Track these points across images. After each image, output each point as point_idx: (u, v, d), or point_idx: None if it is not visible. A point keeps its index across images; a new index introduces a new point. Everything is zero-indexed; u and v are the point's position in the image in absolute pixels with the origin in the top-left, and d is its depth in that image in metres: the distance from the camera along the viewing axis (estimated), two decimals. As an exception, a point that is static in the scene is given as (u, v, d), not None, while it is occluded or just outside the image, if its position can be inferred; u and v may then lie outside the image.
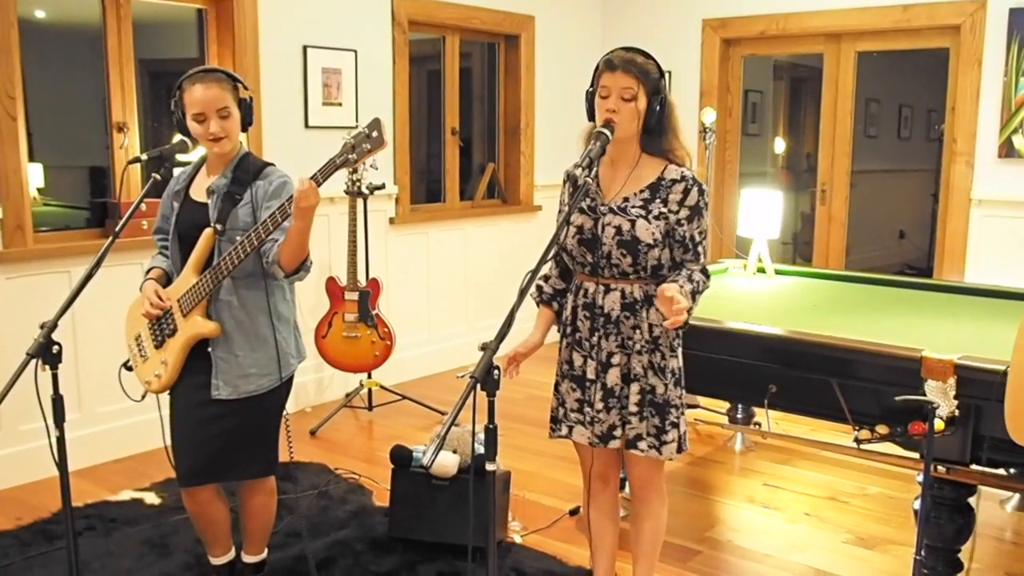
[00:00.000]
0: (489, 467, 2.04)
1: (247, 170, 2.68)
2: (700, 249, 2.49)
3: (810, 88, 6.52)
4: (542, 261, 2.21)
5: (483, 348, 2.03)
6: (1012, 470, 2.89)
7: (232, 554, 2.94)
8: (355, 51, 5.15)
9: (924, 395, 2.54)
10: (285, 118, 4.87)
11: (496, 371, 2.00)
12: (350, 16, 5.14)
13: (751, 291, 4.07)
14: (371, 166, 4.44)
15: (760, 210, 4.40)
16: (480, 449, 3.12)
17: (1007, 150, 5.22)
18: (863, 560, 3.34)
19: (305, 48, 4.91)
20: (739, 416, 4.32)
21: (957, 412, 2.56)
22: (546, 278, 2.71)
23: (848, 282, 4.20)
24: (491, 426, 2.04)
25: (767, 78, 8.65)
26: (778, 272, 4.36)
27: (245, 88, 2.70)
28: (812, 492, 3.96)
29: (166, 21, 5.41)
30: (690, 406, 4.69)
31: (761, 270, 4.32)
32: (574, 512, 3.67)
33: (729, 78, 6.40)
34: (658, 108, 2.43)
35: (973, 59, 5.29)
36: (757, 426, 4.21)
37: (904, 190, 8.77)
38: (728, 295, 3.94)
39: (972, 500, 2.73)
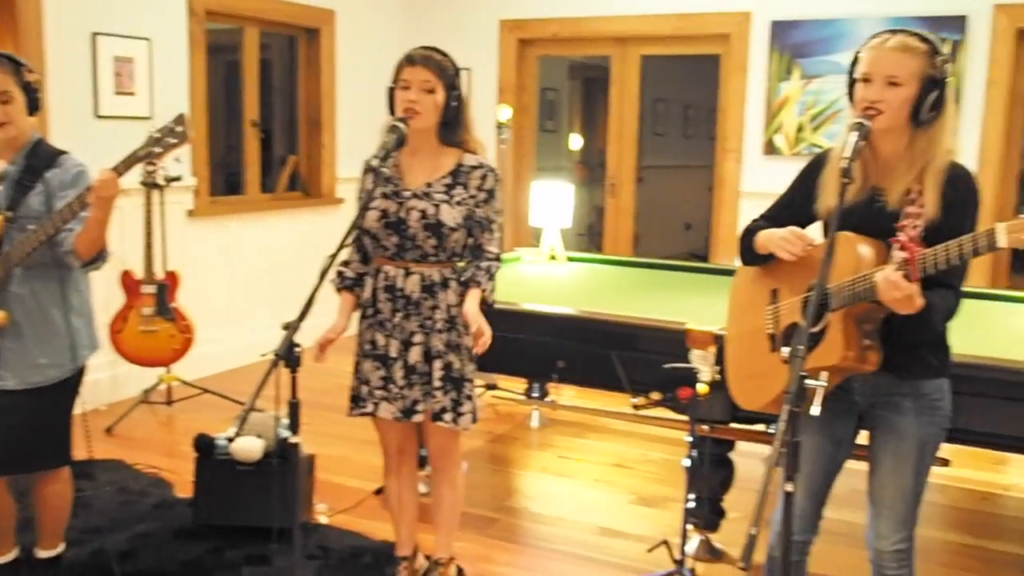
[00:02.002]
0: (293, 439, 2.15)
1: (40, 157, 2.63)
2: (494, 227, 2.76)
3: (603, 88, 6.93)
4: (342, 245, 2.33)
5: (286, 327, 2.13)
6: (771, 427, 3.29)
7: (16, 553, 2.90)
8: (149, 40, 5.01)
9: (689, 363, 2.86)
10: (73, 107, 4.67)
11: (297, 348, 2.11)
12: (143, 4, 4.99)
13: (544, 276, 4.34)
14: (175, 159, 4.38)
15: (551, 201, 4.69)
16: (284, 434, 3.19)
17: (770, 148, 5.80)
18: (645, 516, 3.68)
19: (95, 35, 4.74)
20: (535, 395, 4.59)
21: (719, 377, 2.89)
22: (347, 263, 2.83)
23: (633, 267, 4.58)
24: (294, 401, 2.14)
25: (563, 77, 9.09)
26: (570, 259, 4.67)
27: (31, 71, 2.64)
28: (601, 460, 4.29)
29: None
30: (488, 386, 4.98)
31: (553, 257, 4.61)
32: (379, 492, 3.80)
33: (526, 77, 6.70)
34: (454, 103, 2.63)
35: (740, 66, 5.83)
36: (551, 403, 4.50)
37: (689, 184, 9.41)
38: (523, 280, 4.19)
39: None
